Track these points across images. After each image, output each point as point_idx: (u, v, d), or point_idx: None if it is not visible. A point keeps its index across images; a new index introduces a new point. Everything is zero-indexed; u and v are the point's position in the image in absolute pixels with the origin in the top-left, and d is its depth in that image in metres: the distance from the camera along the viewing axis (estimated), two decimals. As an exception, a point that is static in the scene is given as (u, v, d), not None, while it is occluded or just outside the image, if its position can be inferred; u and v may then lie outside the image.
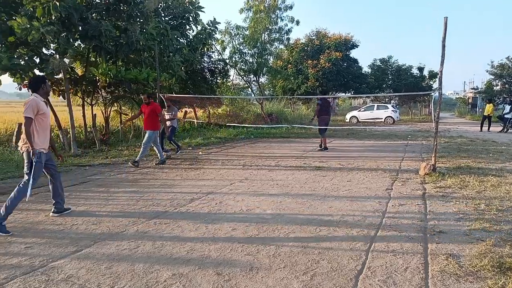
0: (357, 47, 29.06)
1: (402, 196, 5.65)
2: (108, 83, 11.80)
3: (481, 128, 19.05)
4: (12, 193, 4.30)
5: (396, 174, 7.40)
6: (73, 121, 10.80)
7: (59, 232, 4.15)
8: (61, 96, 11.85)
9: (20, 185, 4.35)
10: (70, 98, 11.14)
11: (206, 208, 5.09)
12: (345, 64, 27.68)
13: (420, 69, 34.16)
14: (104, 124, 13.40)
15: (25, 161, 4.41)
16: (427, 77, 34.11)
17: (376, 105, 29.47)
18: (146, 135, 8.63)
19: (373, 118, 27.33)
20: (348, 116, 29.03)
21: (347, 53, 28.39)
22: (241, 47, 20.60)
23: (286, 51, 28.13)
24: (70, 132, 10.82)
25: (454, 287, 2.82)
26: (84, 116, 12.40)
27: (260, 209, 5.02)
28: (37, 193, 6.00)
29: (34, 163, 4.30)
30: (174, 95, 13.27)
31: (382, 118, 26.97)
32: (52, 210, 4.83)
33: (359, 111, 29.33)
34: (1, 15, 9.09)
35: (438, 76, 7.43)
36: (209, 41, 16.49)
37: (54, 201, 4.83)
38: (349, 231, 4.10)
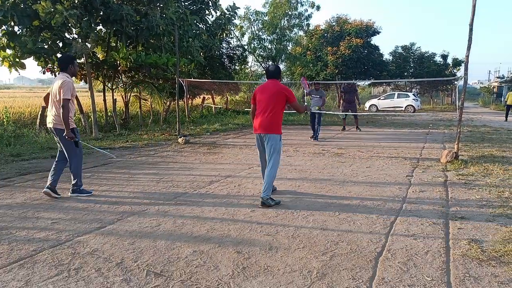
0: (378, 34, 28.36)
1: (423, 182, 5.56)
2: (128, 68, 11.94)
3: (506, 118, 18.48)
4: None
5: (417, 161, 7.29)
6: (94, 105, 11.01)
7: (83, 209, 4.27)
8: (83, 81, 12.09)
9: (70, 159, 4.76)
10: (92, 82, 11.34)
11: (225, 190, 5.14)
12: (365, 51, 27.08)
13: (444, 57, 33.17)
14: (124, 109, 13.62)
15: (58, 138, 4.67)
16: (451, 65, 33.11)
17: (396, 93, 28.88)
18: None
19: (393, 107, 26.80)
20: (367, 104, 28.56)
21: (368, 39, 27.75)
22: (260, 33, 20.46)
23: (305, 37, 27.73)
24: (92, 116, 11.04)
25: (476, 271, 2.78)
26: (105, 100, 12.62)
27: (278, 192, 5.03)
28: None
29: (77, 135, 4.69)
30: (193, 80, 13.32)
31: (402, 107, 26.43)
32: (70, 190, 4.92)
33: (379, 99, 28.81)
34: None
35: (464, 61, 7.21)
36: (228, 26, 16.43)
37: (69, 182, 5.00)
38: (368, 215, 4.08)
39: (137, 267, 2.86)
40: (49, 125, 4.74)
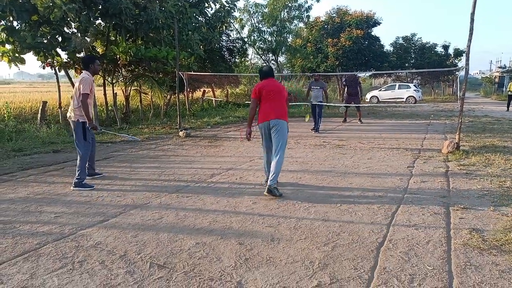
0: (379, 25, 28.16)
1: (424, 173, 5.57)
2: (128, 62, 11.90)
3: (508, 108, 18.42)
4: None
5: (418, 152, 7.29)
6: (95, 99, 10.99)
7: (86, 203, 4.30)
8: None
9: (78, 153, 5.00)
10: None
11: (226, 183, 5.16)
12: (366, 43, 26.90)
13: (445, 47, 32.98)
14: (124, 103, 13.60)
15: (78, 130, 4.98)
16: (452, 56, 32.94)
17: (397, 84, 28.76)
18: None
19: (394, 98, 26.71)
20: (368, 95, 28.47)
21: (369, 31, 27.54)
22: (260, 25, 20.36)
23: (305, 29, 27.56)
24: (92, 110, 11.03)
25: (477, 260, 2.79)
26: (105, 95, 12.62)
27: (280, 184, 5.04)
28: (63, 167, 6.21)
29: (87, 130, 5.01)
30: (193, 73, 13.29)
31: (403, 98, 26.34)
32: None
33: (380, 90, 28.71)
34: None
35: (464, 52, 7.17)
36: (228, 19, 16.34)
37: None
38: (369, 206, 4.10)
39: (141, 259, 2.88)
40: (68, 116, 5.18)
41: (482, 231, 3.34)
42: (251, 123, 4.90)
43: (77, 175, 4.95)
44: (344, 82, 13.18)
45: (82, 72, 5.14)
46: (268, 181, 4.52)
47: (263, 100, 4.78)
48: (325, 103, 11.41)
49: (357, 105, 12.95)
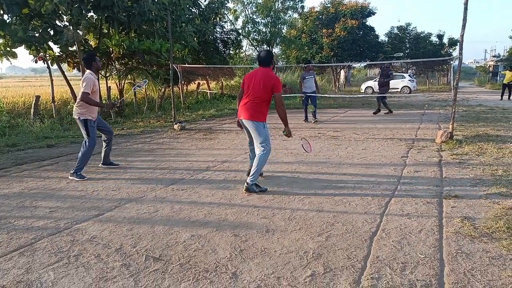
0: (374, 15, 28.09)
1: (417, 163, 5.62)
2: (121, 55, 11.82)
3: (502, 97, 18.52)
4: (80, 153, 5.10)
5: (412, 142, 7.33)
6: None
7: (81, 197, 4.30)
8: (75, 69, 11.97)
9: (84, 146, 5.17)
10: (85, 70, 11.23)
11: (221, 176, 5.17)
12: (361, 33, 26.84)
13: (440, 37, 33.02)
14: (118, 96, 13.52)
15: (82, 127, 5.17)
16: (447, 45, 33.00)
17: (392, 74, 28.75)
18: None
19: (389, 88, 26.72)
20: (363, 86, 28.51)
21: (363, 21, 27.47)
22: (254, 16, 20.21)
23: (300, 20, 27.45)
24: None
25: (468, 247, 2.84)
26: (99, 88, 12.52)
27: (274, 176, 5.08)
28: (57, 162, 6.19)
29: (89, 127, 5.16)
30: (187, 65, 13.21)
31: (398, 88, 26.39)
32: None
33: (375, 81, 28.69)
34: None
35: (458, 41, 7.18)
36: (221, 10, 16.22)
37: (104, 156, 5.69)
38: (363, 196, 4.13)
39: (136, 252, 2.90)
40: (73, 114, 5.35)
41: (474, 219, 3.38)
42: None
43: (77, 164, 5.13)
44: (380, 72, 13.08)
45: (86, 70, 5.26)
46: (247, 179, 4.34)
47: (243, 93, 4.57)
48: (318, 94, 11.48)
49: (380, 95, 12.59)
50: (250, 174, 4.35)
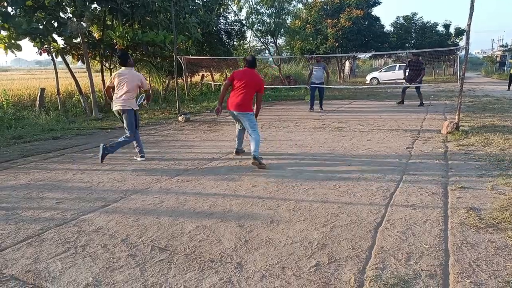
0: (379, 4, 27.71)
1: (423, 154, 5.59)
2: (125, 47, 11.78)
3: (509, 87, 18.30)
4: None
5: (417, 133, 7.29)
6: (93, 85, 10.94)
7: (87, 189, 4.33)
8: (80, 61, 11.97)
9: (124, 137, 5.55)
10: (89, 62, 11.23)
11: (226, 167, 5.18)
12: (366, 23, 26.51)
13: (446, 26, 32.50)
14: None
15: (132, 117, 5.53)
16: (453, 35, 32.49)
17: (398, 65, 28.48)
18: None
19: (395, 79, 26.49)
20: (368, 77, 28.28)
21: (369, 11, 27.10)
22: (258, 7, 19.99)
23: (304, 10, 27.13)
24: (91, 96, 11.00)
25: (473, 238, 2.84)
26: (103, 80, 12.52)
27: (279, 167, 5.08)
28: (63, 154, 6.23)
29: (136, 118, 5.67)
30: (191, 57, 13.17)
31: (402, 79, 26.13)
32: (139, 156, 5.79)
33: (380, 72, 28.49)
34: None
35: (465, 31, 7.08)
36: (225, 1, 16.10)
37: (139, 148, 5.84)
38: (368, 187, 4.13)
39: (142, 242, 2.93)
40: (120, 106, 5.56)
41: (479, 210, 3.37)
42: (221, 102, 5.52)
43: (114, 144, 5.51)
44: (407, 64, 12.77)
45: (126, 68, 5.55)
46: (252, 153, 5.07)
47: (233, 88, 5.32)
48: (325, 85, 11.60)
49: (416, 85, 12.27)
50: (253, 150, 5.09)
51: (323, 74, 11.33)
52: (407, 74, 12.32)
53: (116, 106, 5.55)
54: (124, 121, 5.55)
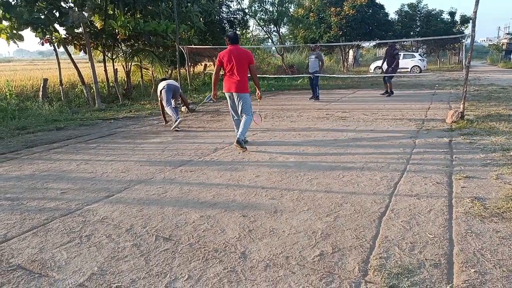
0: (383, -8, 27.37)
1: (427, 143, 5.55)
2: (127, 36, 11.72)
3: (514, 76, 18.10)
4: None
5: (421, 122, 7.24)
6: (95, 75, 10.91)
7: (91, 179, 4.35)
8: (82, 51, 11.92)
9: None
10: (91, 52, 11.19)
11: (229, 157, 5.18)
12: (370, 11, 26.21)
13: (452, 14, 32.11)
14: (125, 78, 13.50)
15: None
16: (459, 23, 32.12)
17: (402, 54, 28.21)
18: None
19: (399, 68, 26.24)
20: (372, 66, 28.03)
21: (373, -2, 26.80)
22: (261, -5, 19.78)
23: (307, -2, 26.86)
24: (94, 87, 10.98)
25: (478, 227, 2.82)
26: (106, 71, 12.51)
27: (283, 157, 5.07)
28: (67, 145, 6.25)
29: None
30: (194, 46, 13.09)
31: (408, 68, 25.91)
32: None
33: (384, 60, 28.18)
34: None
35: (471, 19, 6.97)
36: (228, -11, 15.89)
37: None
38: (372, 176, 4.11)
39: (146, 232, 2.94)
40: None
41: (484, 199, 3.36)
42: (215, 87, 5.73)
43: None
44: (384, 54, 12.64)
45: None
46: (237, 135, 5.30)
47: (225, 70, 5.38)
48: (319, 74, 11.37)
49: (388, 75, 11.99)
50: (240, 133, 5.31)
51: (316, 62, 11.02)
52: (384, 63, 12.18)
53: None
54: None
